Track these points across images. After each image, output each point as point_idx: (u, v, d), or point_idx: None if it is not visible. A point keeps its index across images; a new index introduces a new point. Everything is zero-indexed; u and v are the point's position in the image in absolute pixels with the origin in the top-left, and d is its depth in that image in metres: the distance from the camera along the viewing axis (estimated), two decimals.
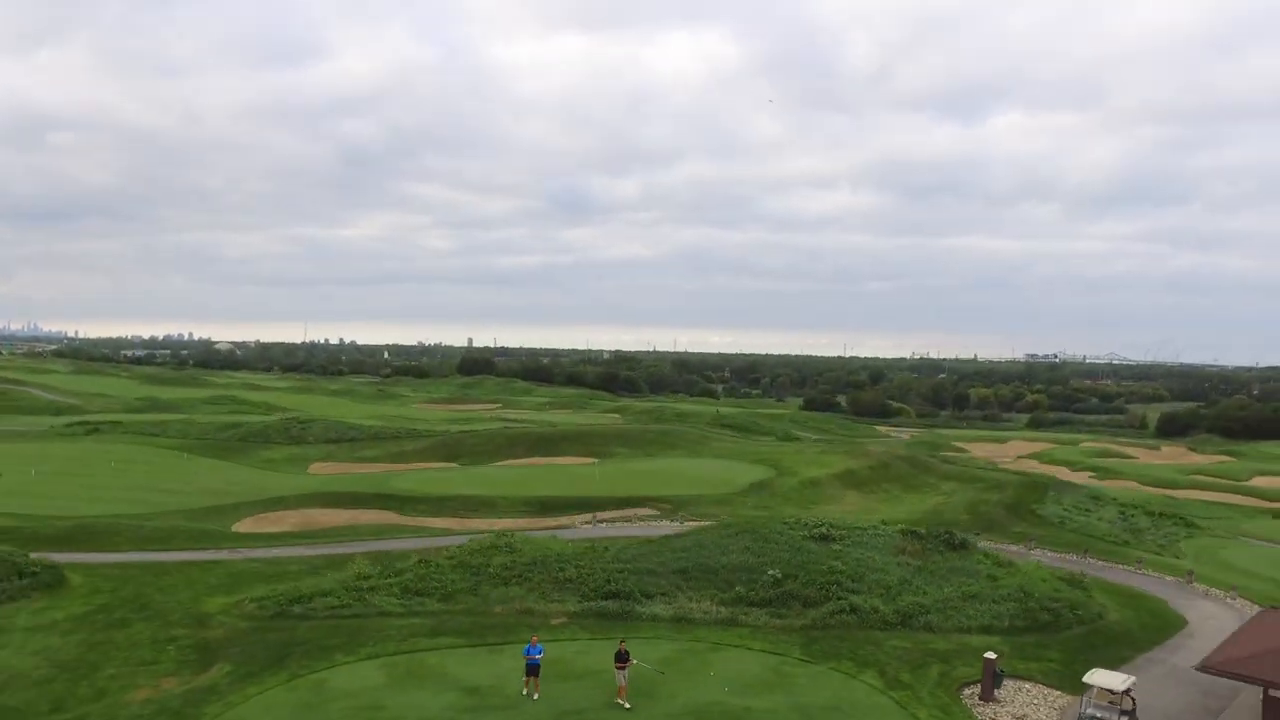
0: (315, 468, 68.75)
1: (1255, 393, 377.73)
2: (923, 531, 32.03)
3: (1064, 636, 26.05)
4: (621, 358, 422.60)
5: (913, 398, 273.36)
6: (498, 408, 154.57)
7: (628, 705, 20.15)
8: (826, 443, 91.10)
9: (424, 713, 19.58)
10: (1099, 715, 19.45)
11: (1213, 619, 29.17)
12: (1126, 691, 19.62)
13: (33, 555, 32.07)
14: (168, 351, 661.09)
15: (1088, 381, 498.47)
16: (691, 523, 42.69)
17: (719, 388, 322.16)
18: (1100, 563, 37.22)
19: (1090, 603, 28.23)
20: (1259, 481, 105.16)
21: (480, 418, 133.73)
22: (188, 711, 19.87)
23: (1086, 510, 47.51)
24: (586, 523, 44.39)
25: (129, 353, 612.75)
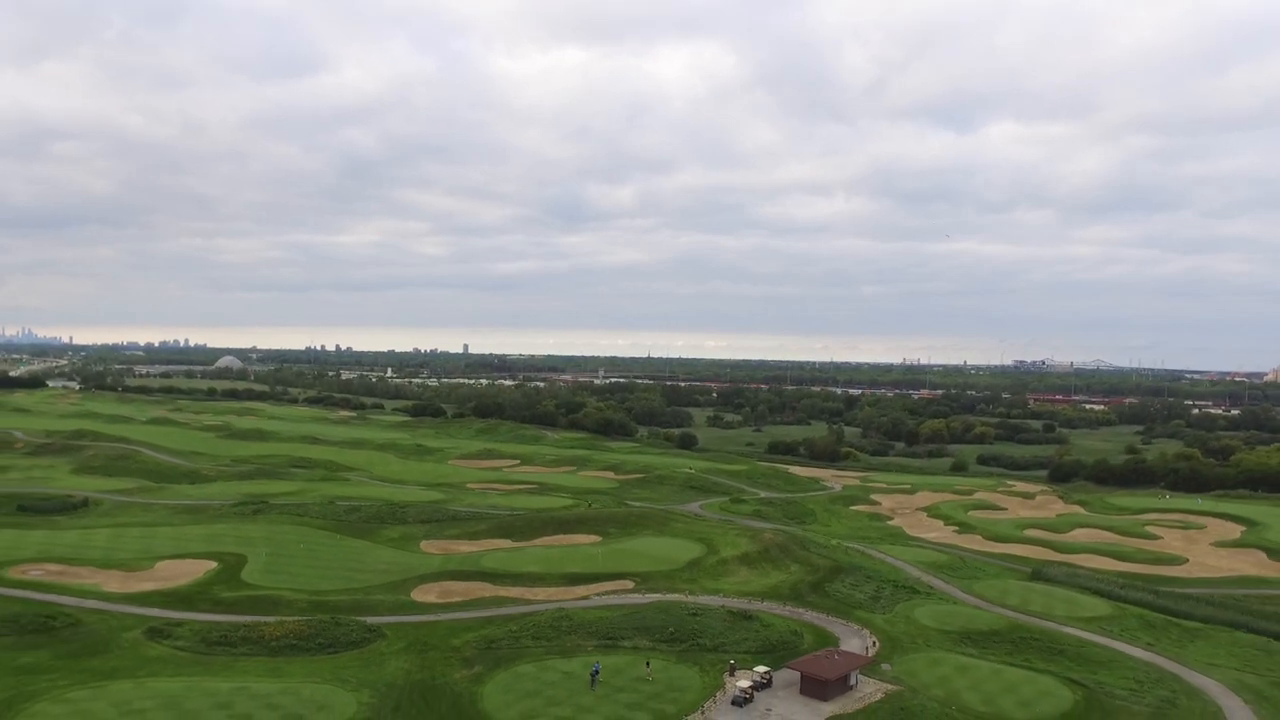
0: (425, 545, 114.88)
1: (1195, 413, 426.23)
2: (734, 610, 78.86)
3: (778, 652, 72.49)
4: (616, 385, 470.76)
5: (873, 432, 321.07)
6: (517, 464, 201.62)
7: (651, 678, 65.95)
8: (755, 518, 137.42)
9: (555, 679, 65.98)
10: (754, 681, 65.55)
11: (848, 645, 75.61)
12: (766, 673, 65.91)
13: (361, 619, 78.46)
14: (182, 368, 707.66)
15: (1058, 397, 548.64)
16: (650, 595, 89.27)
17: (706, 416, 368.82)
18: (833, 619, 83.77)
19: (796, 639, 74.93)
20: (1074, 535, 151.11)
21: (508, 478, 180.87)
22: (481, 679, 66.24)
23: (856, 586, 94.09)
24: (597, 593, 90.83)
25: (143, 369, 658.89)
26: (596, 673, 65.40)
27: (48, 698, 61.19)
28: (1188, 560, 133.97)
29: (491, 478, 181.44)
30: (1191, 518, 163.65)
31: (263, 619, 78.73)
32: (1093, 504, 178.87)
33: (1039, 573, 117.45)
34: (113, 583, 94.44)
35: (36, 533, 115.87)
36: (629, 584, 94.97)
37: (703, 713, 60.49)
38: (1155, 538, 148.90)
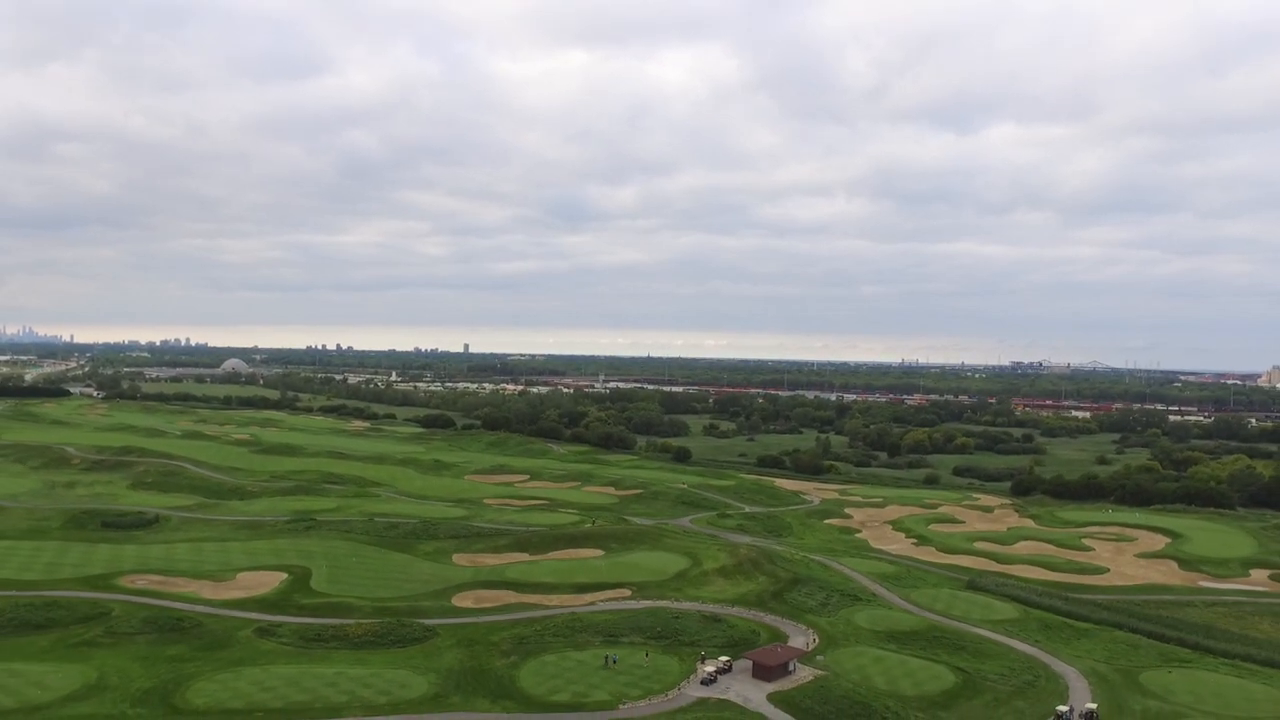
0: (456, 558, 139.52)
1: (1171, 421, 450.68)
2: (707, 614, 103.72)
3: (739, 646, 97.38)
4: (617, 393, 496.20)
5: (859, 442, 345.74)
6: (527, 479, 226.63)
7: (647, 664, 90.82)
8: (737, 532, 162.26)
9: (572, 665, 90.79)
10: (718, 668, 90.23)
11: (794, 641, 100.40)
12: (727, 661, 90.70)
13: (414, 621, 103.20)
14: (190, 371, 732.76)
15: (1047, 402, 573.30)
16: (643, 601, 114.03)
17: (702, 424, 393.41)
18: (787, 621, 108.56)
19: (754, 636, 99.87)
20: (1017, 547, 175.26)
21: (520, 493, 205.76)
22: (516, 666, 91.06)
23: (810, 595, 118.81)
24: (602, 600, 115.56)
25: (153, 373, 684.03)
26: (614, 660, 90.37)
27: (203, 679, 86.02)
28: (1109, 570, 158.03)
29: (505, 493, 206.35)
30: (1127, 531, 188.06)
31: (343, 621, 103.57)
32: (1042, 517, 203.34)
33: (973, 582, 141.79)
34: (207, 591, 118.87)
35: (127, 547, 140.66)
36: (627, 592, 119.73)
37: (679, 689, 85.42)
38: (1088, 549, 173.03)
